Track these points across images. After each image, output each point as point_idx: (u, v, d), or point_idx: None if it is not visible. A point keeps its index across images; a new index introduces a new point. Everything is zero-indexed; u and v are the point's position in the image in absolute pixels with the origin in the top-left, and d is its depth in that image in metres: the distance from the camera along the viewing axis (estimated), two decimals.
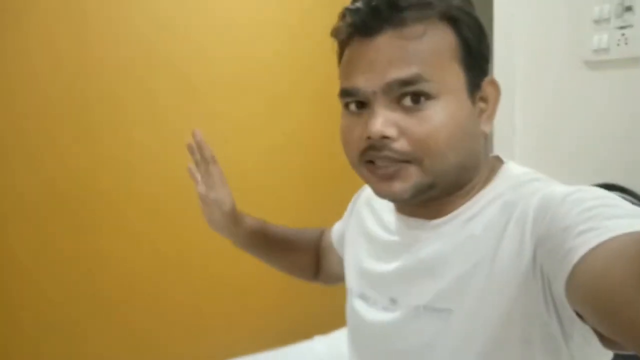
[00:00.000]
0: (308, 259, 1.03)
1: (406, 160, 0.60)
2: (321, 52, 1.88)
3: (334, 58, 0.71)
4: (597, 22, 1.17)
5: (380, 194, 0.65)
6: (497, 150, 1.37)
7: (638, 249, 0.42)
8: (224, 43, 1.81)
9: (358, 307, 0.76)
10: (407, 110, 0.59)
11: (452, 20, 0.61)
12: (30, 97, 1.54)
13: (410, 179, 0.61)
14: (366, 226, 0.80)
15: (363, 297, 0.75)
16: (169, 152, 1.68)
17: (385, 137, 0.59)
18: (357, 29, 0.62)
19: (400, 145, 0.59)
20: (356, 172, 0.68)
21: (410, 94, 0.59)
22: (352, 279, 0.80)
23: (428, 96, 0.59)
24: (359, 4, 0.61)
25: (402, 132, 0.59)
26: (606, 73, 1.18)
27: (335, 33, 0.66)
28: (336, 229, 0.98)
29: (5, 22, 1.49)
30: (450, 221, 0.65)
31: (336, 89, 0.66)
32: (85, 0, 1.58)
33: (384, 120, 0.59)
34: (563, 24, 1.26)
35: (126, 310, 1.71)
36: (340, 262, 0.91)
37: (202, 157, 0.93)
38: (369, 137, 0.60)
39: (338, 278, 0.94)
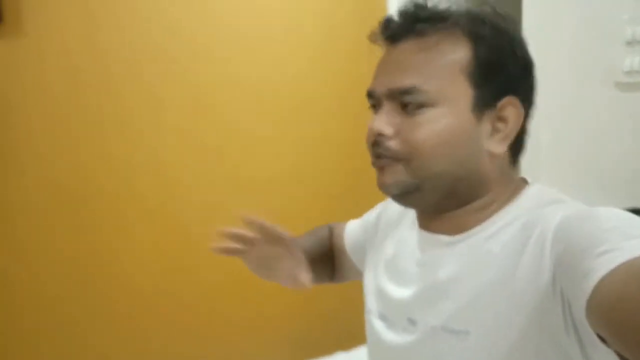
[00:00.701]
0: (325, 264, 1.00)
1: (395, 158, 0.64)
2: (349, 58, 1.91)
3: (360, 62, 0.76)
4: (629, 43, 1.16)
5: (378, 184, 0.69)
6: (523, 170, 1.35)
7: None
8: (239, 47, 1.82)
9: (378, 327, 0.75)
10: (407, 113, 0.64)
11: (472, 35, 0.63)
12: (40, 97, 1.57)
13: (395, 176, 0.65)
14: (387, 249, 0.79)
15: (383, 318, 0.75)
16: (180, 158, 1.69)
17: (380, 134, 0.64)
18: (387, 37, 0.67)
19: (394, 144, 0.64)
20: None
21: (410, 101, 0.63)
22: (371, 301, 0.79)
23: (425, 104, 0.62)
24: (395, 15, 0.67)
25: (398, 133, 0.64)
26: (638, 95, 1.16)
27: (371, 39, 0.71)
28: (351, 235, 0.94)
29: (15, 25, 1.52)
30: (467, 239, 0.65)
31: (362, 92, 0.71)
32: (96, 4, 1.60)
33: (382, 120, 0.65)
34: (595, 46, 1.25)
35: (139, 317, 1.71)
36: (352, 265, 0.92)
37: (276, 239, 0.81)
38: (369, 133, 0.66)
39: (350, 277, 0.97)
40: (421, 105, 0.62)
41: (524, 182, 0.69)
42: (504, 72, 0.64)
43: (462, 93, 0.62)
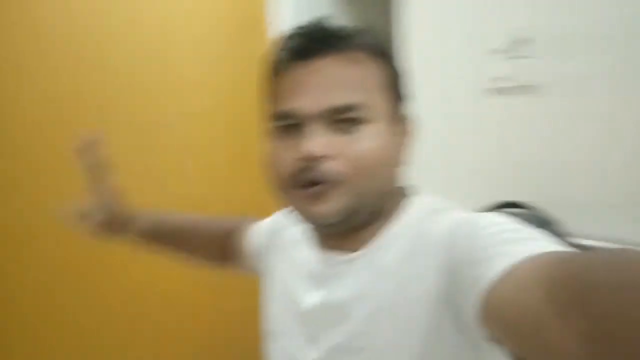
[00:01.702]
0: (209, 252, 0.99)
1: (337, 180, 0.60)
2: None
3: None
4: (495, 52, 1.25)
5: (309, 216, 0.64)
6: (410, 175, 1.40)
7: (541, 274, 0.42)
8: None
9: (277, 347, 0.73)
10: (341, 132, 0.61)
11: (382, 54, 0.65)
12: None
13: (337, 202, 0.61)
14: (286, 269, 0.77)
15: (282, 336, 0.73)
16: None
17: (319, 157, 0.60)
18: (296, 53, 0.63)
19: (335, 164, 0.60)
20: (281, 197, 0.66)
21: (345, 119, 0.61)
22: (270, 320, 0.77)
23: (361, 121, 0.61)
24: (299, 31, 0.64)
25: (336, 153, 0.60)
26: (503, 100, 1.26)
27: (270, 59, 0.66)
28: (252, 240, 0.92)
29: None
30: (363, 255, 0.65)
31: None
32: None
33: (319, 141, 0.60)
34: (462, 53, 1.33)
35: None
36: (251, 266, 0.91)
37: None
38: (303, 158, 0.60)
39: (245, 268, 0.95)
40: (360, 122, 0.61)
41: (408, 190, 0.70)
42: (403, 87, 0.68)
43: (385, 108, 0.64)
